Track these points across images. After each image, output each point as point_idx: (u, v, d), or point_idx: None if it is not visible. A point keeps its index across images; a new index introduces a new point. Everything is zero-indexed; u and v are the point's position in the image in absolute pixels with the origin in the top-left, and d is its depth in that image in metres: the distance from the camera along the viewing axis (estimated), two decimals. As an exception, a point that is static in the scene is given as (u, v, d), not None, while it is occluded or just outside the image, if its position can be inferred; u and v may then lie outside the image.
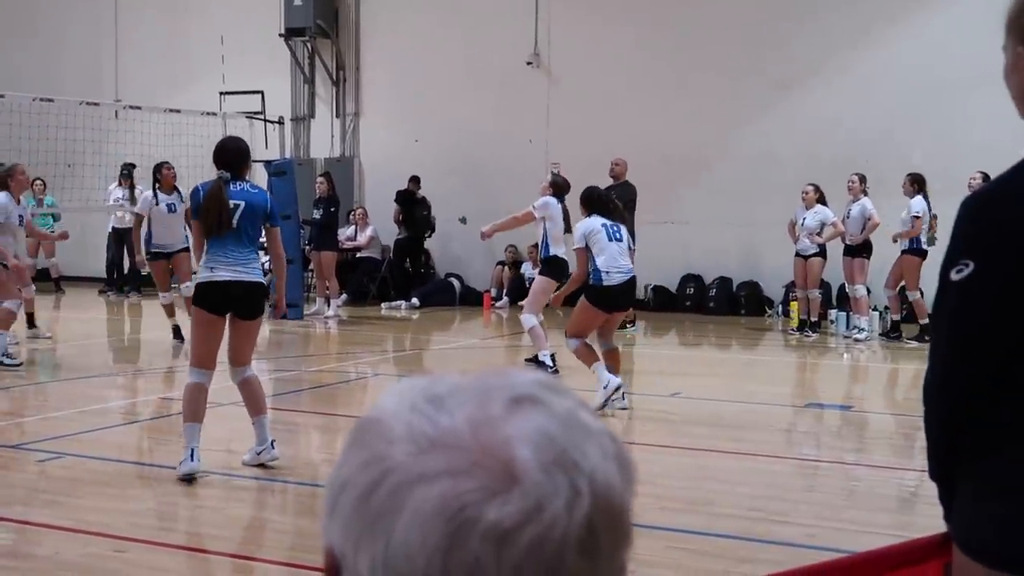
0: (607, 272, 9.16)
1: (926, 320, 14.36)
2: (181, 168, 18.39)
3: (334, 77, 20.16)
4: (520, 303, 17.87)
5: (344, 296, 18.48)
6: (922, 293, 14.08)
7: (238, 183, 7.04)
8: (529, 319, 10.87)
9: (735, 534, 5.85)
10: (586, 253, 9.19)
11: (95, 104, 17.77)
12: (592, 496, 0.77)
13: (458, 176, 19.08)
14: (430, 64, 19.41)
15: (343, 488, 0.79)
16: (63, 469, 7.18)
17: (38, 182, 18.01)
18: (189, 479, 6.65)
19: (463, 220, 19.22)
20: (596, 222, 9.28)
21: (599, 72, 18.22)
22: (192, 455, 6.69)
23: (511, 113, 18.81)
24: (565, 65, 18.58)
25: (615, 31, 18.13)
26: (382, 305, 18.08)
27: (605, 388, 8.94)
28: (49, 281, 19.31)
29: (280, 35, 19.78)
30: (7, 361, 11.08)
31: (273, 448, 7.12)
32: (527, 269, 18.58)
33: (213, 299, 6.82)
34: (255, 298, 6.99)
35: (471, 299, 18.60)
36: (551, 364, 10.91)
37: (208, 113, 17.91)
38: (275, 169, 16.40)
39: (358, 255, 19.02)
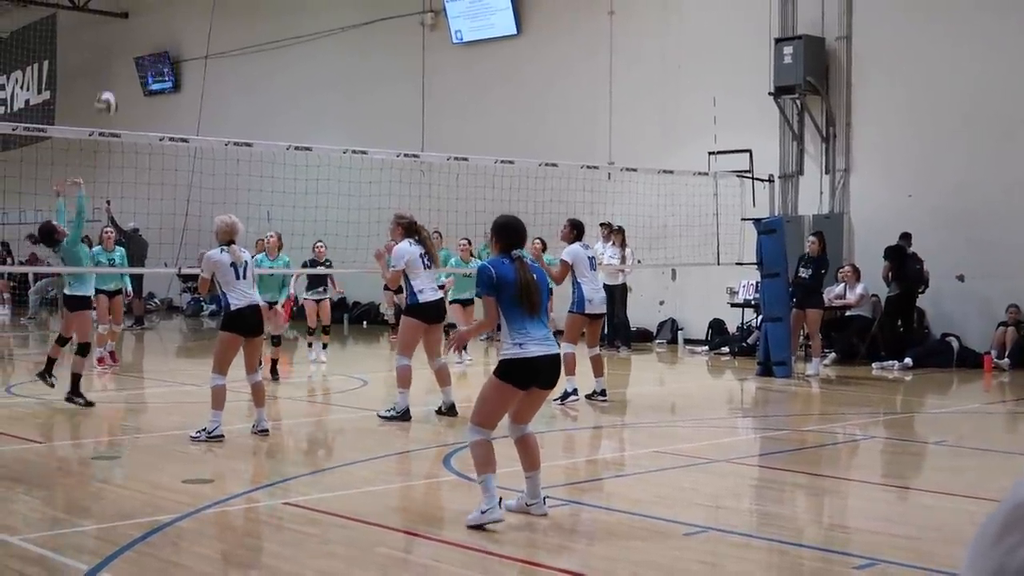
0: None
1: None
2: (670, 226, 18.99)
3: (823, 133, 19.98)
4: None
5: (832, 355, 18.21)
6: None
7: (525, 259, 7.30)
8: None
9: None
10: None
11: (594, 167, 18.73)
12: None
13: (953, 231, 18.25)
14: (924, 117, 18.77)
15: None
16: (570, 517, 7.58)
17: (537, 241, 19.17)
18: (482, 525, 6.84)
19: (960, 278, 18.37)
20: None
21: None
22: (500, 503, 6.90)
23: (1014, 164, 17.76)
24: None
25: None
26: (873, 365, 17.61)
27: None
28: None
29: (769, 93, 19.93)
30: (384, 413, 11.67)
31: (545, 504, 7.27)
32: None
33: (521, 375, 7.02)
34: (559, 368, 7.29)
35: (969, 361, 17.66)
36: None
37: (699, 173, 18.32)
38: (764, 227, 16.52)
39: (847, 313, 18.66)
